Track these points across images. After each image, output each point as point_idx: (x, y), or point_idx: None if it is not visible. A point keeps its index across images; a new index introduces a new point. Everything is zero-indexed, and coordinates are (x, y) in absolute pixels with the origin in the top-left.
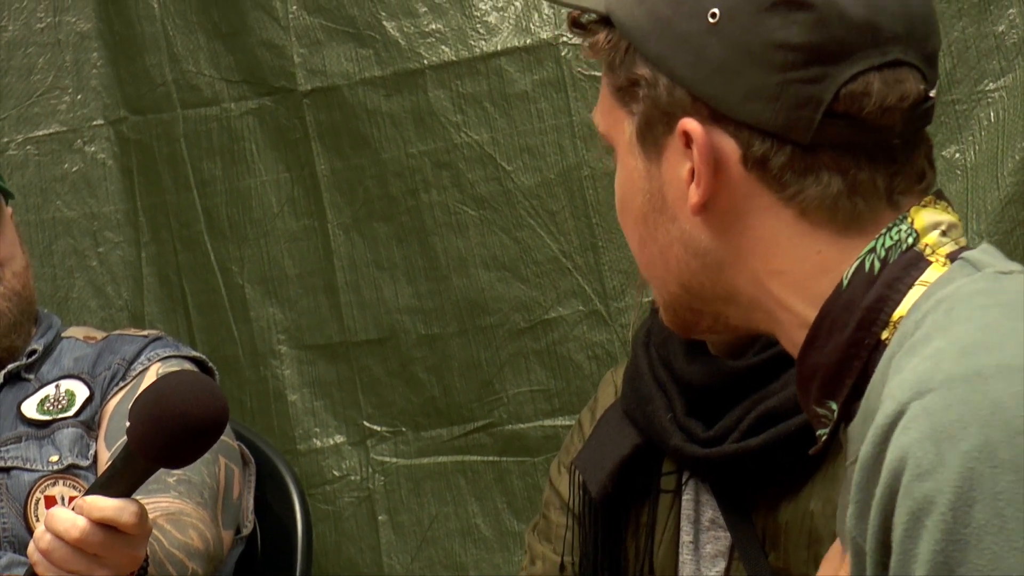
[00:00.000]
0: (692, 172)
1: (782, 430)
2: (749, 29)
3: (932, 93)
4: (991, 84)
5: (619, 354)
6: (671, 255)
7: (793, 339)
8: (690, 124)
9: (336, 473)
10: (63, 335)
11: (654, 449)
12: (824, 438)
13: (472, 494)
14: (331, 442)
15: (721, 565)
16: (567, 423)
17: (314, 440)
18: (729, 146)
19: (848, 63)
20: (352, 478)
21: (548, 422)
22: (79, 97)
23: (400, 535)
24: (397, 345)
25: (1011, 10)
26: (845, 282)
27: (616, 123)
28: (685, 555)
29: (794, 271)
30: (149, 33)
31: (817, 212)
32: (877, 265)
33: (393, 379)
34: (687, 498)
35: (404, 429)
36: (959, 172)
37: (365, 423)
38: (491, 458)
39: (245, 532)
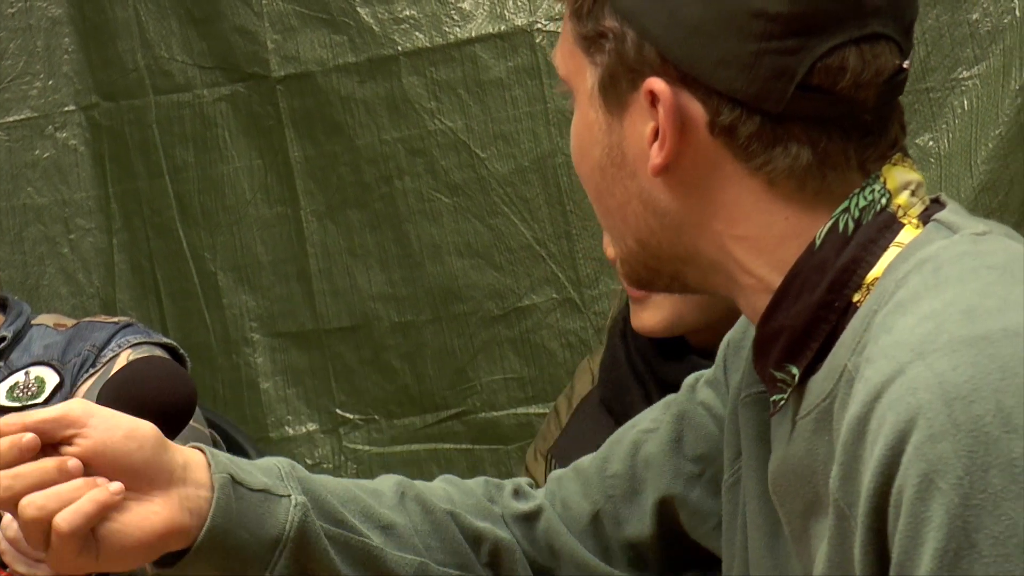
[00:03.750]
0: (655, 132)
1: None
2: None
3: (906, 64)
4: (964, 72)
5: (592, 342)
6: (629, 211)
7: (754, 304)
8: (657, 84)
9: (309, 461)
10: (33, 322)
11: None
12: (781, 403)
13: None
14: (304, 430)
15: None
16: (541, 411)
17: (287, 428)
18: (696, 111)
19: (826, 36)
20: (325, 466)
21: (522, 410)
22: (50, 83)
23: None
24: (370, 333)
25: None
26: (818, 242)
27: (578, 70)
28: None
29: (760, 237)
30: (121, 18)
31: (785, 182)
32: (851, 225)
33: (366, 367)
34: None
35: (377, 417)
36: (932, 160)
37: (338, 411)
38: (464, 446)
39: None
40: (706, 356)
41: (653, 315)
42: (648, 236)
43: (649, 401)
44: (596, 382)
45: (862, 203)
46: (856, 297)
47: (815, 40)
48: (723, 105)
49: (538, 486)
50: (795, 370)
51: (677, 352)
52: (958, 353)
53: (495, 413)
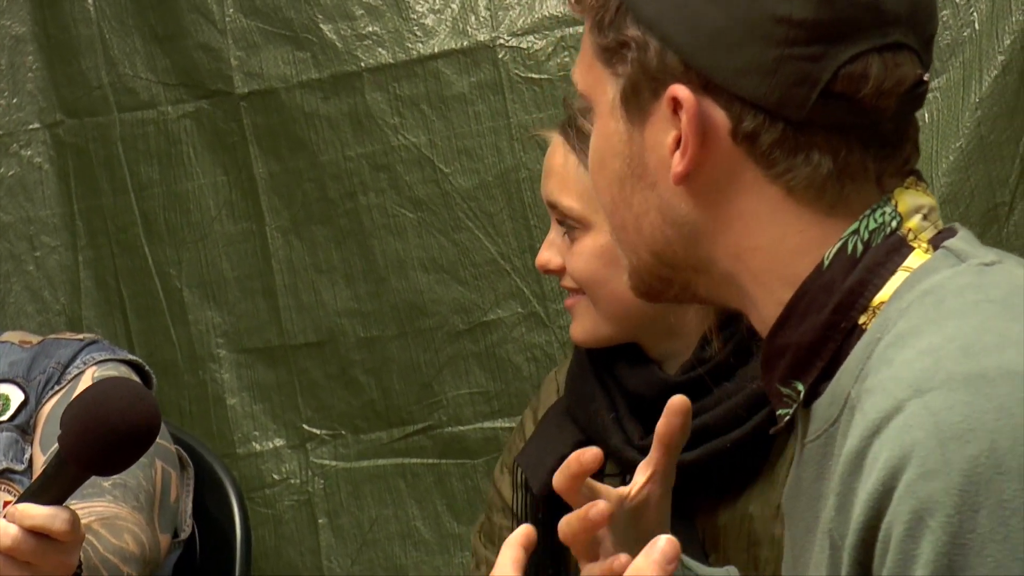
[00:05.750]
0: (677, 140)
1: (717, 445)
2: (751, 0)
3: (926, 77)
4: None
5: (557, 355)
6: (646, 222)
7: (763, 317)
8: (681, 92)
9: (276, 476)
10: None
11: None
12: (787, 417)
13: (412, 497)
14: (270, 445)
15: None
16: (506, 425)
17: (253, 444)
18: (719, 118)
19: (849, 43)
20: (292, 481)
21: (487, 424)
22: (14, 100)
23: (340, 538)
24: (336, 348)
25: (944, 11)
26: (826, 262)
27: (598, 83)
28: None
29: (774, 248)
30: (85, 36)
31: (804, 192)
32: (860, 248)
33: (332, 382)
34: None
35: (344, 432)
36: None
37: (304, 426)
38: (431, 460)
39: (183, 536)
40: (661, 365)
41: (575, 327)
42: (664, 247)
43: (614, 409)
44: (561, 393)
45: (872, 225)
46: (862, 319)
47: (838, 47)
48: (746, 112)
49: (503, 499)
50: (800, 386)
51: (639, 360)
52: (954, 392)
53: (461, 427)
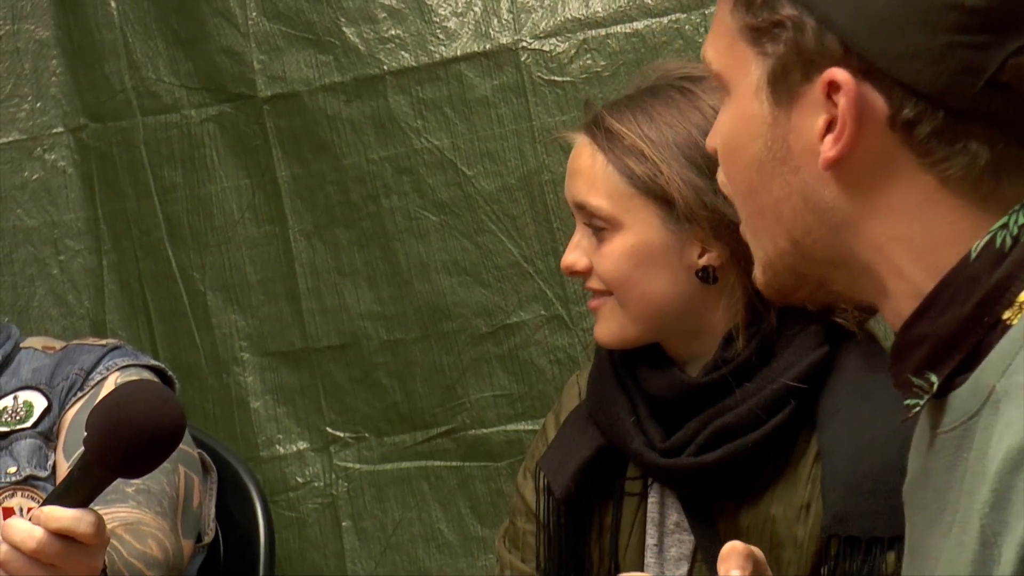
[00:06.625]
0: (828, 124)
1: (738, 446)
2: None
3: None
4: None
5: (581, 358)
6: (786, 207)
7: (898, 309)
8: (840, 75)
9: (299, 480)
10: (22, 346)
11: (617, 451)
12: (916, 409)
13: (435, 499)
14: (294, 449)
15: (684, 568)
16: (530, 427)
17: (277, 447)
18: (877, 103)
19: (1017, 33)
20: (315, 484)
21: (511, 427)
22: (38, 105)
23: (364, 541)
24: (359, 351)
25: None
26: (973, 255)
27: (740, 63)
28: (649, 558)
29: (921, 239)
30: (108, 40)
31: (959, 183)
32: (1008, 242)
33: (356, 385)
34: (652, 501)
35: (367, 435)
36: None
37: (328, 429)
38: (454, 463)
39: (207, 540)
40: (683, 367)
41: (601, 328)
42: (803, 235)
43: (635, 413)
44: (583, 396)
45: (1021, 220)
46: (1006, 315)
47: (1007, 37)
48: (907, 99)
49: (526, 504)
50: (934, 378)
51: (660, 362)
52: None
53: (484, 430)
